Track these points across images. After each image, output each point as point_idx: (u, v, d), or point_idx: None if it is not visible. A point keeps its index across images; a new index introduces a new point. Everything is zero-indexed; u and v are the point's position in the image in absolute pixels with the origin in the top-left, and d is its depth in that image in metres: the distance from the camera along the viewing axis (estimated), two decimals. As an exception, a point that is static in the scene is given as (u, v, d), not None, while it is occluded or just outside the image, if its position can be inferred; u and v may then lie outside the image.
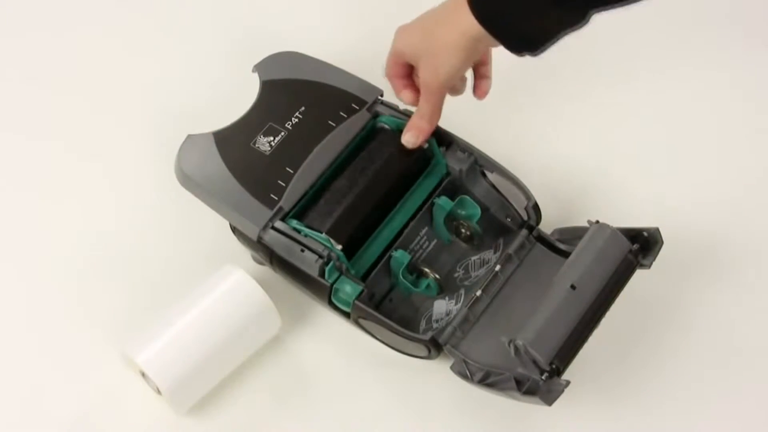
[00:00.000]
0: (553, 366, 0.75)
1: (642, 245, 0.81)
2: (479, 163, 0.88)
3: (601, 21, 0.73)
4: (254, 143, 0.86)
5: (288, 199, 0.82)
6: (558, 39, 0.74)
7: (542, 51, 0.75)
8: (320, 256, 0.81)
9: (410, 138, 0.85)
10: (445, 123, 0.88)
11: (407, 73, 0.85)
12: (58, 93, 1.04)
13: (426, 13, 0.81)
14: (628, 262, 0.80)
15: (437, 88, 0.81)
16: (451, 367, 0.81)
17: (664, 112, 1.01)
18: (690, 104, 1.01)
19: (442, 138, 0.88)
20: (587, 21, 0.73)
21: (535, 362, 0.75)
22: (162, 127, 1.00)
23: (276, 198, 0.82)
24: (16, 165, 0.99)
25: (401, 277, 0.83)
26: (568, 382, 0.74)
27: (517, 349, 0.75)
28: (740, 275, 0.90)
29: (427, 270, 0.85)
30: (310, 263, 0.81)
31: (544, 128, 1.00)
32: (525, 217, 0.87)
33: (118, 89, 1.04)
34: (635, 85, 1.03)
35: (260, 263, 0.90)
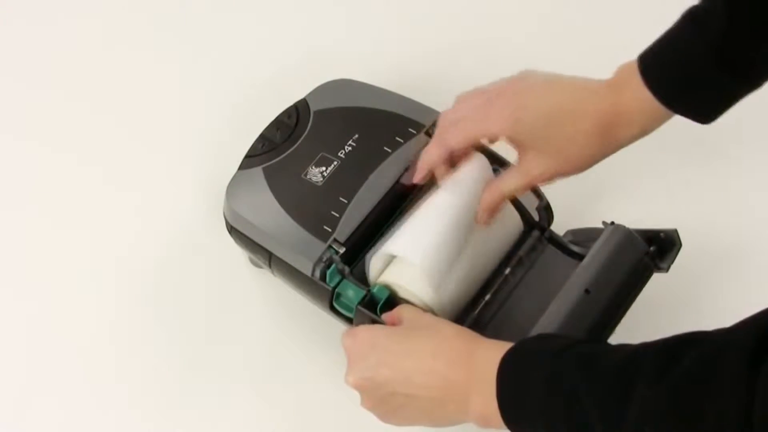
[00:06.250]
0: (567, 374, 0.72)
1: (659, 247, 0.78)
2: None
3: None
4: (306, 175, 0.84)
5: (342, 231, 0.80)
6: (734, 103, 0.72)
7: (716, 119, 0.73)
8: (321, 259, 0.79)
9: (484, 217, 0.78)
10: (453, 120, 0.85)
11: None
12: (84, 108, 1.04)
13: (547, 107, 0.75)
14: (645, 266, 0.78)
15: (543, 181, 0.77)
16: (459, 376, 0.78)
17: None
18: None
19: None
20: (762, 84, 0.71)
21: (548, 370, 0.72)
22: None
23: (329, 230, 0.80)
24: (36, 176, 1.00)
25: (378, 313, 0.78)
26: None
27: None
28: (764, 279, 0.88)
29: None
30: (310, 266, 0.79)
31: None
32: (536, 218, 0.85)
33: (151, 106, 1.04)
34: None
35: (258, 266, 0.88)
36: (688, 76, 0.70)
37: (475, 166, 0.80)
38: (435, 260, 0.76)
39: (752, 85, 0.71)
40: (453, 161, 0.80)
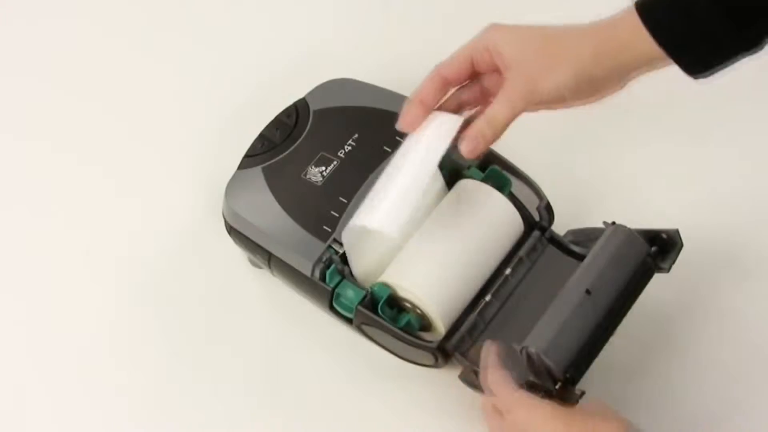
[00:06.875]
0: (568, 375, 0.72)
1: (660, 248, 0.78)
2: (489, 161, 0.85)
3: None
4: (305, 174, 0.84)
5: (342, 231, 0.79)
6: (728, 64, 0.70)
7: (706, 75, 0.71)
8: (321, 260, 0.79)
9: (469, 147, 0.74)
10: (454, 119, 0.85)
11: (464, 79, 0.77)
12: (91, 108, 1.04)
13: (544, 27, 0.74)
14: (646, 266, 0.77)
15: (535, 98, 0.73)
16: (460, 376, 0.78)
17: (682, 109, 0.98)
18: (708, 99, 0.97)
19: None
20: (762, 47, 0.69)
21: (548, 371, 0.72)
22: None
23: (329, 230, 0.80)
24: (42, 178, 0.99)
25: (380, 311, 0.78)
26: (583, 393, 0.71)
27: (529, 356, 0.72)
28: (764, 274, 0.88)
29: (408, 305, 0.80)
30: (309, 266, 0.79)
31: (556, 125, 0.97)
32: (537, 218, 0.85)
33: (157, 108, 1.03)
34: (652, 83, 1.00)
35: (257, 266, 0.88)
36: (689, 20, 0.69)
37: (443, 120, 0.77)
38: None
39: (752, 42, 0.69)
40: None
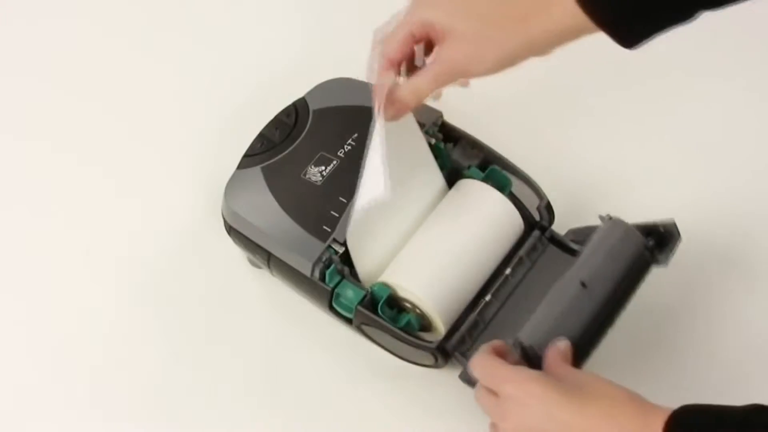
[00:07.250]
0: (562, 369, 0.71)
1: (658, 241, 0.78)
2: (489, 161, 0.85)
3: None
4: (305, 174, 0.83)
5: (341, 230, 0.80)
6: (660, 33, 0.69)
7: (640, 45, 0.70)
8: (321, 260, 0.79)
9: (391, 111, 0.75)
10: (454, 118, 0.86)
11: (409, 57, 0.77)
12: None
13: None
14: (644, 259, 0.77)
15: (461, 76, 0.73)
16: (460, 376, 0.78)
17: (680, 109, 0.99)
18: (706, 101, 0.99)
19: (450, 134, 0.86)
20: (694, 18, 0.68)
21: (542, 364, 0.71)
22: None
23: (329, 230, 0.80)
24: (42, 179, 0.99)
25: (380, 311, 0.78)
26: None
27: (523, 349, 0.71)
28: (765, 273, 0.88)
29: (408, 305, 0.80)
30: (309, 266, 0.79)
31: (556, 125, 0.98)
32: (537, 218, 0.85)
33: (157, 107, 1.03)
34: (650, 83, 1.00)
35: (257, 266, 0.87)
36: None
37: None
38: None
39: (685, 13, 0.68)
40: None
